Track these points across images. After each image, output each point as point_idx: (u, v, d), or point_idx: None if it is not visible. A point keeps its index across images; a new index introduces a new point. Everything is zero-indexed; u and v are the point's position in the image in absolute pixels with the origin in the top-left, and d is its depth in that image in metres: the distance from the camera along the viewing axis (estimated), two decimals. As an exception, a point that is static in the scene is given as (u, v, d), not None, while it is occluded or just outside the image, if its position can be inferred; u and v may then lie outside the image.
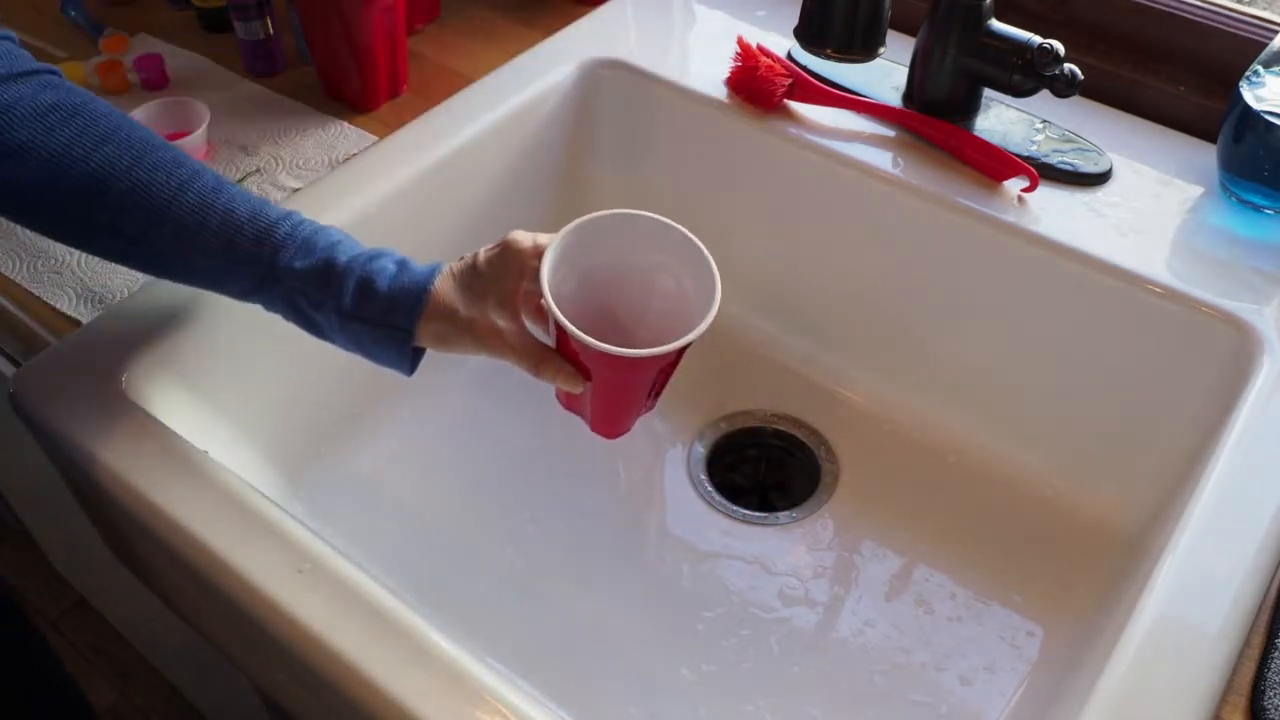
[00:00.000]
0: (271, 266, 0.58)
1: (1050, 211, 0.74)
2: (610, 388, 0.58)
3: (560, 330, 0.55)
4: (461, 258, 0.59)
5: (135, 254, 0.59)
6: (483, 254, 0.59)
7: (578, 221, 0.57)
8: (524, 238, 0.58)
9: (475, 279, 0.58)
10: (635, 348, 0.55)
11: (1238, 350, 0.66)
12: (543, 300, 0.54)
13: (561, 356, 0.57)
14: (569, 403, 0.61)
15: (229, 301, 0.61)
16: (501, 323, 0.58)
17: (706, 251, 0.57)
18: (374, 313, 0.57)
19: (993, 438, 0.79)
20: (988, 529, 0.76)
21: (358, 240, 0.60)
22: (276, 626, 0.53)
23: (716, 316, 0.55)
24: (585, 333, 0.54)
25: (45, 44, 0.96)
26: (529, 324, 0.60)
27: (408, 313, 0.57)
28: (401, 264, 0.58)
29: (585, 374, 0.57)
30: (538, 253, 0.57)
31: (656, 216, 0.58)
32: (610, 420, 0.61)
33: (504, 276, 0.57)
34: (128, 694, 1.40)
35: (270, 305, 0.60)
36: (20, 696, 0.82)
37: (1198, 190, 0.76)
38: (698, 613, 0.72)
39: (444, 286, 0.58)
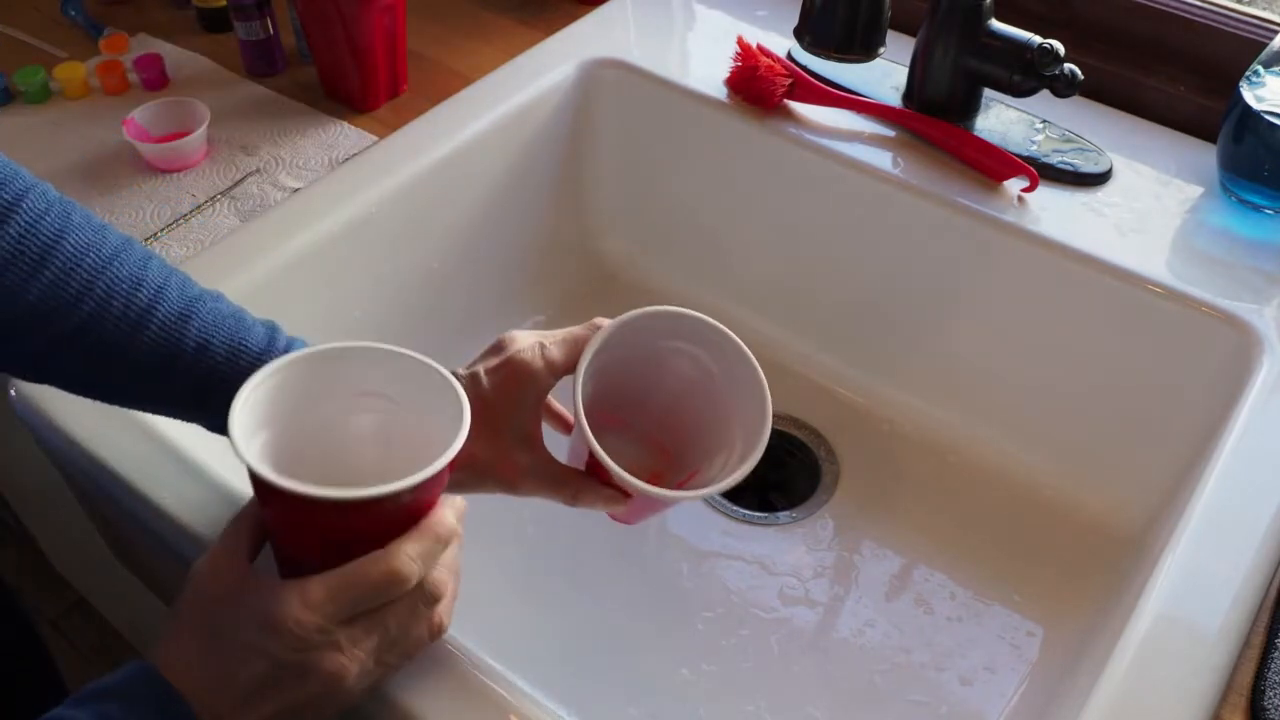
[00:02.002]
0: None
1: (1050, 211, 0.74)
2: (647, 507, 0.57)
3: (594, 458, 0.51)
4: (456, 375, 0.51)
5: (93, 393, 0.52)
6: (485, 378, 0.52)
7: (599, 339, 0.52)
8: (529, 353, 0.52)
9: (486, 412, 0.51)
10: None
11: (1238, 350, 0.66)
12: (589, 447, 0.50)
13: (595, 479, 0.53)
14: None
15: (229, 302, 0.60)
16: (525, 459, 0.52)
17: (745, 347, 0.54)
18: None
19: (993, 437, 0.79)
20: (988, 529, 0.76)
21: None
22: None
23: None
24: (597, 416, 0.51)
25: (45, 44, 0.96)
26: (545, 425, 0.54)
27: None
28: None
29: (623, 494, 0.53)
30: (553, 370, 0.52)
31: (676, 310, 0.54)
32: (635, 518, 0.59)
33: (521, 408, 0.51)
34: (128, 694, 1.40)
35: None
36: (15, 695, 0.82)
37: (1198, 190, 0.76)
38: (698, 613, 0.72)
39: None
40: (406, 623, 0.45)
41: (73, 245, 0.48)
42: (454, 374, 0.52)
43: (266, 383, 0.46)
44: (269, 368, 0.46)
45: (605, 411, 0.56)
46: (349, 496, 0.42)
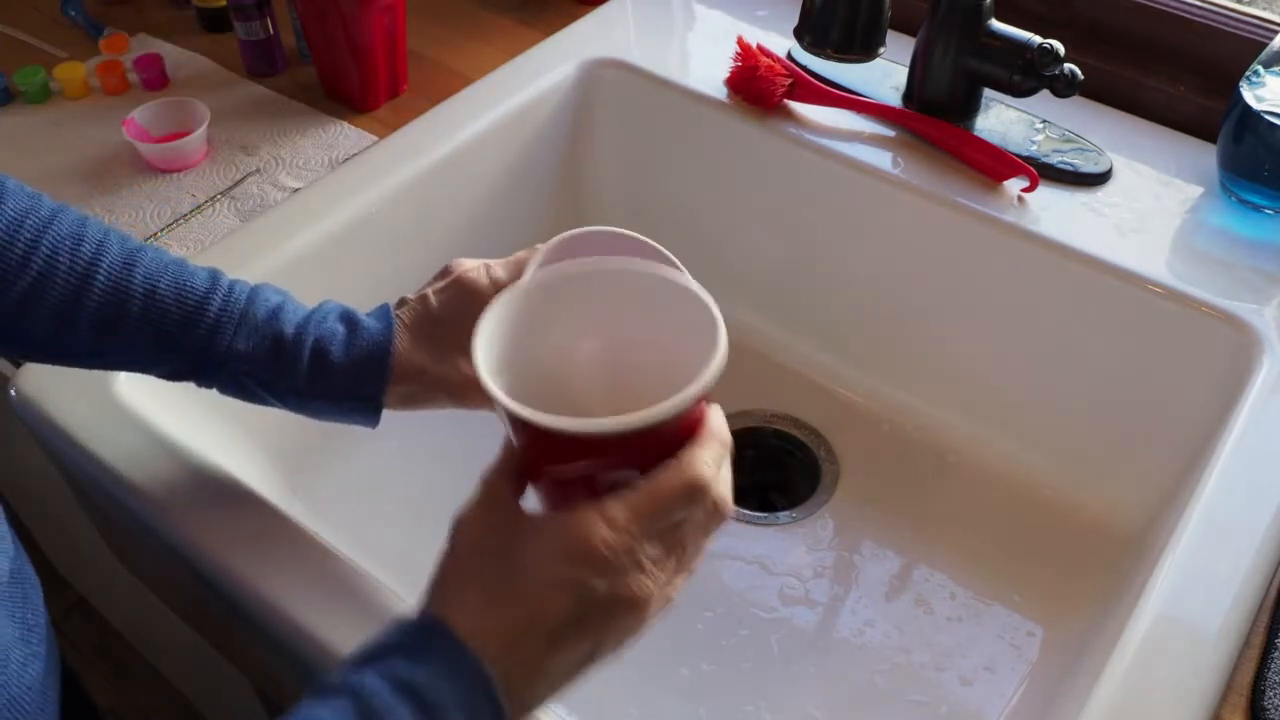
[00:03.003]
0: (209, 351, 0.52)
1: (1050, 211, 0.74)
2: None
3: None
4: (404, 301, 0.54)
5: (54, 356, 0.53)
6: (433, 297, 0.53)
7: (541, 254, 0.52)
8: (476, 273, 0.53)
9: (435, 328, 0.52)
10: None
11: (1238, 350, 0.66)
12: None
13: None
14: None
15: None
16: (472, 371, 0.53)
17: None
18: (335, 388, 0.52)
19: (993, 437, 0.79)
20: (987, 529, 0.76)
21: (290, 293, 0.55)
22: (277, 627, 0.53)
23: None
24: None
25: (45, 44, 0.96)
26: None
27: (372, 381, 0.52)
28: (350, 322, 0.53)
29: None
30: (498, 287, 0.52)
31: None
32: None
33: (467, 322, 0.50)
34: (128, 694, 1.40)
35: (207, 385, 0.54)
36: None
37: (1198, 190, 0.76)
38: (698, 613, 0.72)
39: (405, 345, 0.52)
40: (699, 539, 0.43)
41: (12, 210, 0.50)
42: (403, 299, 0.54)
43: (496, 320, 0.43)
44: (497, 303, 0.43)
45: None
46: (636, 424, 0.38)
